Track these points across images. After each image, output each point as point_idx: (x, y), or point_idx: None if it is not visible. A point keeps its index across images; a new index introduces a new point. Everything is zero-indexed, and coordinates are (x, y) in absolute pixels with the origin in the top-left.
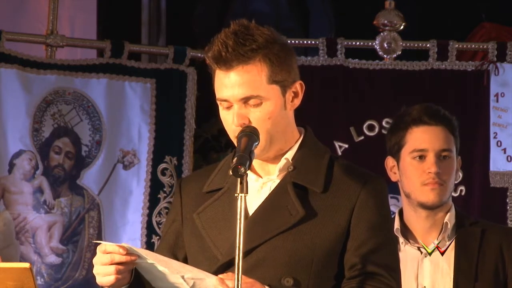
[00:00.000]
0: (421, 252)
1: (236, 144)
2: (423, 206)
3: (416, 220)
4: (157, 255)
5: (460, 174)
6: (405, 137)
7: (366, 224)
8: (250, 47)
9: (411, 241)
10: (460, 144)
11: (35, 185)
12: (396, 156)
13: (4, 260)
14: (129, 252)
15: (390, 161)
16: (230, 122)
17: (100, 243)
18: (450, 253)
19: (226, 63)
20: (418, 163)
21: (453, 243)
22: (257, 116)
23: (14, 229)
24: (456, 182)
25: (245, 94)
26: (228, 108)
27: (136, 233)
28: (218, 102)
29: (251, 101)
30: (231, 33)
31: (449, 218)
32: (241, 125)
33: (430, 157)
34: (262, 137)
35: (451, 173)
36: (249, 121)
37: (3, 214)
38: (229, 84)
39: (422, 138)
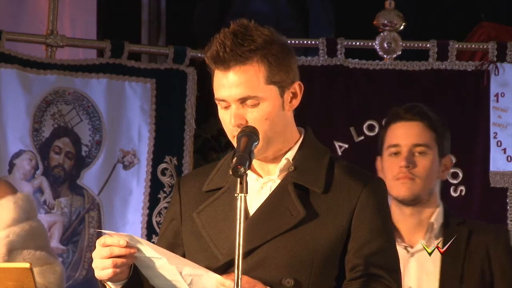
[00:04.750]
0: (408, 251)
1: (234, 144)
2: (398, 201)
3: (402, 218)
4: (156, 246)
5: (461, 174)
6: (385, 135)
7: (367, 225)
8: (248, 47)
9: (398, 240)
10: (460, 144)
11: (35, 185)
12: (381, 155)
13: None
14: (128, 245)
15: (378, 162)
16: (228, 122)
17: (102, 233)
18: (436, 253)
19: (224, 63)
20: (393, 158)
21: (440, 243)
22: (254, 117)
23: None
24: (456, 182)
25: (243, 95)
26: (226, 108)
27: (136, 233)
28: (217, 102)
29: (249, 102)
30: (230, 33)
31: (436, 218)
32: (238, 126)
33: (403, 152)
34: (259, 137)
35: (426, 169)
36: (246, 122)
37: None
38: (227, 84)
39: (397, 133)
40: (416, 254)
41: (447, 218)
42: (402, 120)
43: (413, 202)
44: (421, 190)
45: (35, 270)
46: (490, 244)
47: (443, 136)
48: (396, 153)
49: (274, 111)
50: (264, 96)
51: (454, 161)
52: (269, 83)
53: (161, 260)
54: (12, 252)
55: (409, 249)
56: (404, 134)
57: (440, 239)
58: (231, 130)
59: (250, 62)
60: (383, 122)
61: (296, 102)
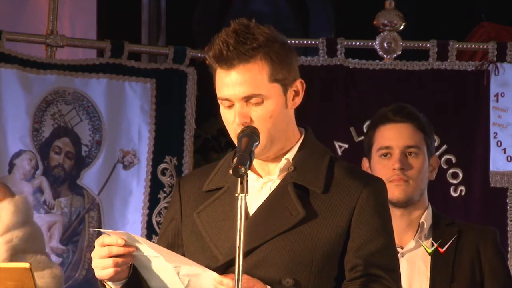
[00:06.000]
0: (398, 252)
1: (236, 144)
2: (391, 203)
3: (392, 220)
4: (154, 244)
5: (461, 174)
6: (374, 136)
7: (366, 225)
8: (251, 45)
9: None
10: (460, 144)
11: (35, 185)
12: (369, 157)
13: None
14: (127, 244)
15: (365, 163)
16: (231, 121)
17: (100, 232)
18: (426, 253)
19: (227, 61)
20: (385, 160)
21: (429, 243)
22: (258, 115)
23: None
24: (456, 182)
25: (247, 93)
26: (230, 107)
27: (136, 233)
28: (219, 101)
29: (253, 100)
30: (232, 32)
31: (426, 218)
32: (243, 124)
33: (395, 154)
34: (263, 136)
35: (418, 170)
36: (251, 120)
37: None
38: (231, 83)
39: (387, 135)
40: (407, 254)
41: (436, 219)
42: (391, 122)
43: (406, 204)
44: (414, 192)
45: (37, 274)
46: (480, 244)
47: (430, 136)
48: (387, 155)
49: (278, 109)
50: (268, 94)
51: (439, 162)
52: (273, 81)
53: (159, 259)
54: (14, 257)
55: (399, 249)
56: (395, 136)
57: (430, 239)
58: (234, 129)
59: (254, 60)
60: (368, 124)
61: (298, 100)
